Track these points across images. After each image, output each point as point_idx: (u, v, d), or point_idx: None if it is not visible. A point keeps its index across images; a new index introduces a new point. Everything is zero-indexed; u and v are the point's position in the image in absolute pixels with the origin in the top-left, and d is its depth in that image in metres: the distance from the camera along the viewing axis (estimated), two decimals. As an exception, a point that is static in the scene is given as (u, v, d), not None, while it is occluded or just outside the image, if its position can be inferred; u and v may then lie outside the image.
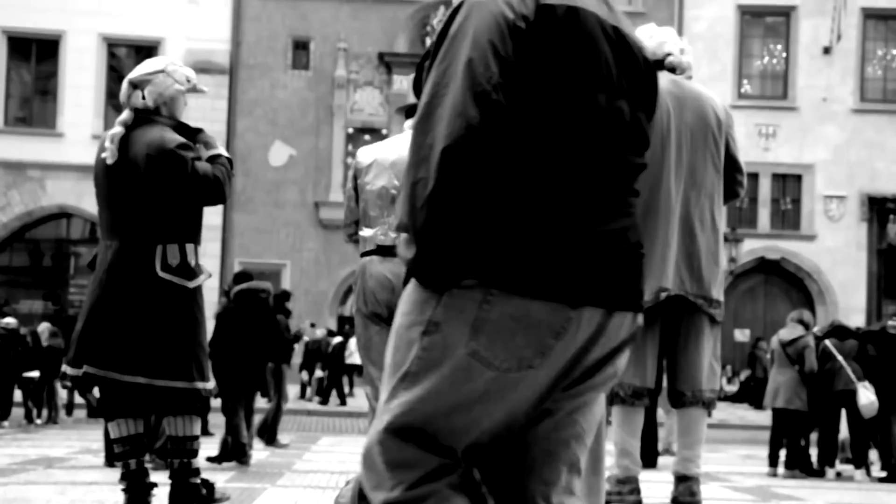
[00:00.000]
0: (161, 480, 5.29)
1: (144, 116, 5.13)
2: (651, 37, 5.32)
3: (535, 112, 1.99)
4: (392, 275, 4.92)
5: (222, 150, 5.22)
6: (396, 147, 5.16)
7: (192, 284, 5.01)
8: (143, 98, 5.13)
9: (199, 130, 5.26)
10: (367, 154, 5.24)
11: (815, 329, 13.20)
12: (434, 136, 1.94)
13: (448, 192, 1.92)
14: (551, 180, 1.98)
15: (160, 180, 4.92)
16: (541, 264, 1.96)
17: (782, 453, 11.49)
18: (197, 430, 5.21)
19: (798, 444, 11.52)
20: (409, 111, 5.39)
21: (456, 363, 1.98)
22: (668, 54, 5.33)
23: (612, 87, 2.07)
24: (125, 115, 5.17)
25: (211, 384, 5.17)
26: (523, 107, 1.98)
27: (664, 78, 5.22)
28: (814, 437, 11.88)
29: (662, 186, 5.02)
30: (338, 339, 23.25)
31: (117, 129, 5.08)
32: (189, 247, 5.05)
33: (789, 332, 11.62)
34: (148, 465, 5.22)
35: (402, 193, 2.00)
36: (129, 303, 4.94)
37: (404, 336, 2.05)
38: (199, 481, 5.18)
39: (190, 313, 5.02)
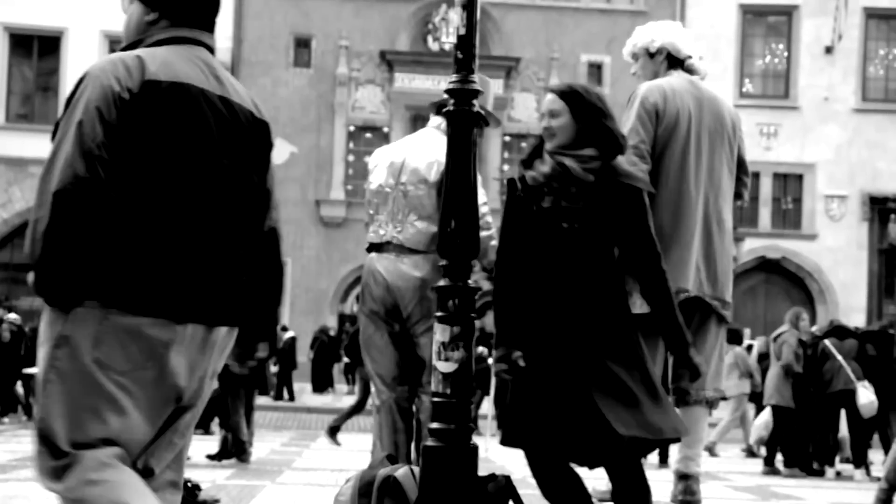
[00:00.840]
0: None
1: None
2: (676, 35, 5.34)
3: (142, 163, 2.46)
4: (386, 272, 4.93)
5: None
6: (403, 148, 5.21)
7: None
8: None
9: None
10: (378, 154, 5.31)
11: (815, 328, 13.26)
12: (50, 183, 2.39)
13: (59, 229, 2.37)
14: (156, 220, 2.46)
15: None
16: (149, 289, 2.43)
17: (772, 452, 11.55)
18: None
19: (790, 441, 11.53)
20: (438, 108, 5.40)
21: (82, 369, 2.41)
22: (689, 57, 5.36)
23: (213, 146, 2.55)
24: None
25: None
26: (132, 159, 2.45)
27: (682, 79, 5.24)
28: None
29: (684, 189, 5.04)
30: (289, 335, 23.07)
31: None
32: None
33: (782, 328, 11.84)
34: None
35: (27, 229, 2.43)
36: None
37: (42, 350, 2.46)
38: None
39: None
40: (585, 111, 3.87)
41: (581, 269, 3.79)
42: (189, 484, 5.23)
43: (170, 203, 2.46)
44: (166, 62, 2.53)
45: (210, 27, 2.73)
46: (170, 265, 2.45)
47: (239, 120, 2.64)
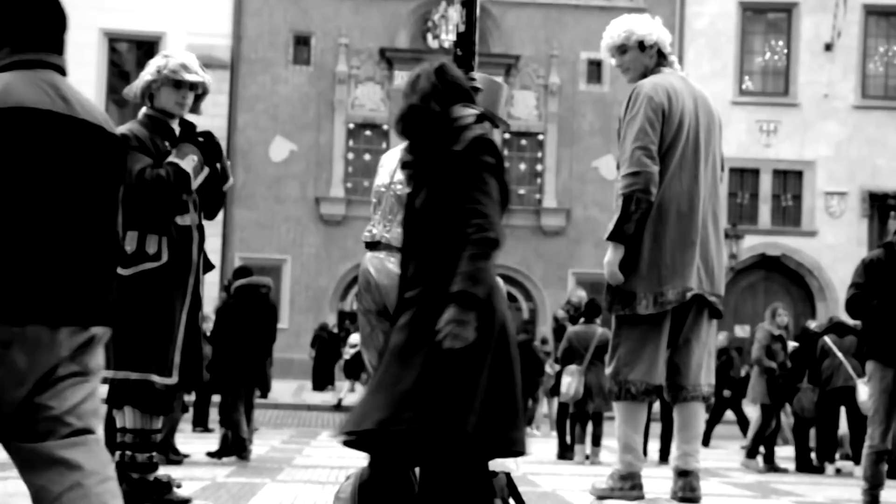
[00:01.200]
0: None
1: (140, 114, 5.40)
2: (663, 29, 5.33)
3: None
4: (375, 270, 4.95)
5: (177, 160, 5.25)
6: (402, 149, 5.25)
7: (127, 272, 4.87)
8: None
9: (182, 137, 5.38)
10: (384, 156, 5.35)
11: (814, 325, 13.25)
12: None
13: None
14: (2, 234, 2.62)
15: None
16: None
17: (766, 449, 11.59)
18: (139, 423, 5.07)
19: (760, 438, 11.53)
20: None
21: None
22: (670, 52, 5.36)
23: (58, 163, 2.71)
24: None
25: (169, 379, 5.01)
26: None
27: (677, 76, 5.22)
28: (812, 433, 11.90)
29: (688, 189, 5.04)
30: None
31: None
32: (151, 237, 5.04)
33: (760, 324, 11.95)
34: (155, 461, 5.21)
35: None
36: None
37: None
38: (151, 479, 5.08)
39: (130, 301, 4.85)
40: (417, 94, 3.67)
41: (427, 249, 3.59)
42: (153, 478, 5.12)
43: (8, 218, 2.64)
44: (7, 88, 2.71)
45: (57, 48, 2.90)
46: (6, 277, 2.64)
47: (87, 136, 2.79)
